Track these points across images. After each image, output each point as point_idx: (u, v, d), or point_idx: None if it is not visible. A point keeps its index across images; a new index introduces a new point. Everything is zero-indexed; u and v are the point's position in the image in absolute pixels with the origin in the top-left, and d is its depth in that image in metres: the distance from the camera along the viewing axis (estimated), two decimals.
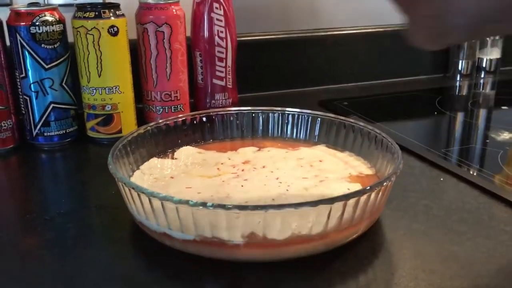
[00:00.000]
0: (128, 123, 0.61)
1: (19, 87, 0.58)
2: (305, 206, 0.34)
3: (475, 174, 0.51)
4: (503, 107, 0.74)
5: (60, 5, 0.61)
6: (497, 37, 0.89)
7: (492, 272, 0.36)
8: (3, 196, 0.51)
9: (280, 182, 0.45)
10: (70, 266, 0.39)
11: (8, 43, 0.57)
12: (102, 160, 0.59)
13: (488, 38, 0.89)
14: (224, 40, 0.66)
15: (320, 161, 0.49)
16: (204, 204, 0.34)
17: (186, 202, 0.35)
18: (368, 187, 0.37)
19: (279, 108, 0.56)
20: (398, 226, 0.42)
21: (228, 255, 0.37)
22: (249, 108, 0.56)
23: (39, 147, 0.60)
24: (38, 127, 0.59)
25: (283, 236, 0.36)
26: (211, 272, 0.37)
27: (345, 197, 0.36)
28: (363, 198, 0.37)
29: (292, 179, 0.45)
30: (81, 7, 0.57)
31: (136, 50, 0.62)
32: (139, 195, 0.37)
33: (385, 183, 0.38)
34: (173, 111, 0.64)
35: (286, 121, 0.55)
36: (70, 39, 0.59)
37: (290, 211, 0.34)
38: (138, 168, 0.48)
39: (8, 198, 0.51)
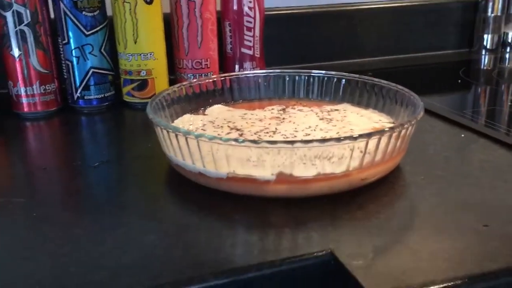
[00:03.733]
0: (161, 88, 0.65)
1: (61, 52, 0.62)
2: (330, 142, 0.37)
3: (494, 130, 0.53)
4: None
5: None
6: None
7: (507, 209, 0.38)
8: (50, 150, 0.56)
9: (308, 134, 0.48)
10: (114, 203, 0.42)
11: (51, 11, 0.61)
12: (137, 121, 0.63)
13: None
14: (253, 10, 0.69)
15: (345, 116, 0.52)
16: (236, 140, 0.37)
17: (219, 138, 0.38)
18: (388, 128, 0.39)
19: (305, 71, 0.58)
20: (418, 172, 0.45)
21: (258, 191, 0.40)
22: (276, 70, 0.59)
23: (79, 110, 0.64)
24: (79, 91, 0.63)
25: (309, 173, 0.39)
26: (242, 207, 0.40)
27: (368, 136, 0.38)
28: (384, 138, 0.39)
29: (319, 131, 0.48)
30: None
31: (170, 23, 0.66)
32: (176, 136, 0.41)
33: (405, 126, 0.40)
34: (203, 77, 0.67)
35: (312, 83, 0.58)
36: (108, 8, 0.62)
37: (316, 146, 0.37)
38: (172, 122, 0.51)
39: (55, 151, 0.55)
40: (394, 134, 0.40)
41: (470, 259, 0.32)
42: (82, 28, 0.60)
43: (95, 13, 0.61)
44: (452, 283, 0.30)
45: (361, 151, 0.39)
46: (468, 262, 0.32)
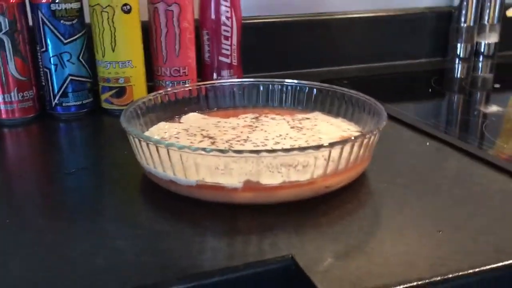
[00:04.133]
0: (139, 95, 0.66)
1: (40, 60, 0.63)
2: (294, 151, 0.39)
3: (458, 139, 0.55)
4: (495, 85, 0.77)
5: None
6: (495, 22, 0.92)
7: (462, 215, 0.40)
8: (27, 156, 0.57)
9: (278, 142, 0.49)
10: (88, 209, 0.44)
11: (30, 19, 0.62)
12: (115, 128, 0.64)
13: (486, 23, 0.92)
14: (230, 20, 0.70)
15: (315, 125, 0.54)
16: (204, 149, 0.39)
17: (188, 148, 0.39)
18: (352, 137, 0.41)
19: (278, 80, 0.60)
20: (382, 179, 0.46)
21: (226, 199, 0.41)
22: (251, 79, 0.61)
23: (58, 116, 0.65)
24: (57, 97, 0.64)
25: (275, 181, 0.40)
26: (211, 214, 0.41)
27: (331, 145, 0.40)
28: (347, 147, 0.41)
29: (289, 139, 0.50)
30: None
31: (148, 30, 0.67)
32: (147, 144, 0.42)
33: (367, 136, 0.42)
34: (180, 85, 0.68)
35: (285, 91, 0.60)
36: (87, 16, 0.64)
37: (281, 155, 0.39)
38: (147, 130, 0.53)
39: (32, 158, 0.56)
40: (357, 144, 0.42)
41: (423, 263, 0.34)
42: (60, 37, 0.61)
43: (73, 22, 0.62)
44: (402, 286, 0.31)
45: (325, 159, 0.41)
46: (420, 266, 0.34)
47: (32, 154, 0.58)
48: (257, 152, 0.39)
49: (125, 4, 0.62)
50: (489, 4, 0.91)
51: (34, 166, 0.54)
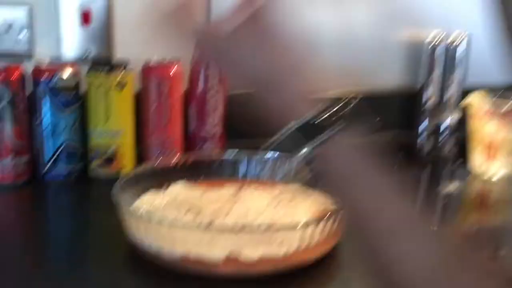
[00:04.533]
0: (128, 163, 0.70)
1: (35, 128, 0.67)
2: (271, 229, 0.43)
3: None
4: (459, 160, 0.83)
5: (77, 62, 0.71)
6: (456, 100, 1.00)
7: None
8: (16, 222, 0.59)
9: (257, 218, 0.53)
10: (75, 277, 0.46)
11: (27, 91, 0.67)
12: (103, 196, 0.67)
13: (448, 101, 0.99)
14: (216, 95, 0.76)
15: (293, 199, 0.58)
16: (188, 224, 0.43)
17: (173, 222, 0.43)
18: (327, 215, 0.45)
19: (260, 153, 0.65)
20: (352, 252, 0.50)
21: (208, 273, 0.45)
22: (234, 151, 0.65)
23: (48, 182, 0.68)
24: (49, 164, 0.67)
25: (254, 256, 0.44)
26: (194, 287, 0.44)
27: (305, 224, 0.44)
28: (321, 225, 0.45)
29: (267, 214, 0.53)
30: (95, 64, 0.68)
31: (139, 101, 0.72)
32: (135, 217, 0.46)
33: (340, 213, 0.46)
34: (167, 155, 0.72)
35: (265, 165, 0.64)
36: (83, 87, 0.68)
37: (259, 233, 0.43)
38: (136, 200, 0.56)
39: (20, 223, 0.59)
40: (330, 221, 0.46)
41: None
42: (57, 107, 0.66)
43: (71, 95, 0.66)
44: None
45: (300, 236, 0.45)
46: None
47: (21, 220, 0.60)
48: (237, 229, 0.43)
49: (120, 82, 0.67)
50: (450, 84, 0.99)
51: (21, 231, 0.56)
